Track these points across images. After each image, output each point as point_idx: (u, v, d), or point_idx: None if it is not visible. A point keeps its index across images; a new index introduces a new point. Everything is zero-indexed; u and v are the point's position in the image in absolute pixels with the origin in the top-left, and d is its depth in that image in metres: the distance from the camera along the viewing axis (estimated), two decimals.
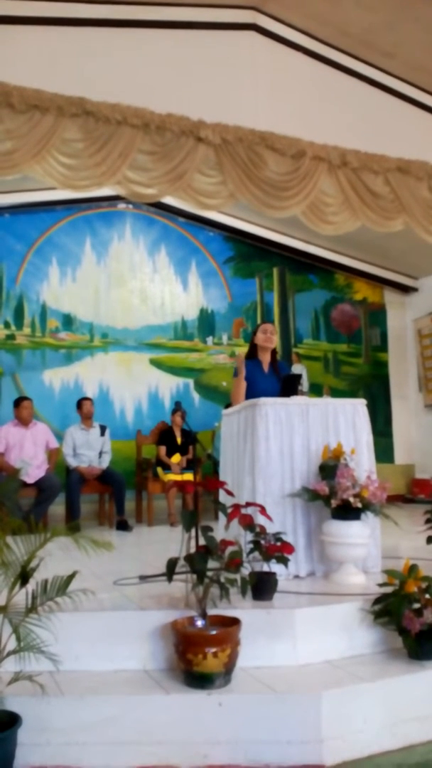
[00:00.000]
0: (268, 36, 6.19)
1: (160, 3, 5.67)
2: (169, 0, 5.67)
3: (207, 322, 8.44)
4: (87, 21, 5.42)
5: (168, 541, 5.08)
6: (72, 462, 6.48)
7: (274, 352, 4.62)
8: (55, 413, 7.39)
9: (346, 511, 3.44)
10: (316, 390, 8.61)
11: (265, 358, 4.54)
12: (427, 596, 2.92)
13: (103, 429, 6.74)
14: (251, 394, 4.29)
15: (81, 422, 6.69)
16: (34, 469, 6.11)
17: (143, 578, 3.56)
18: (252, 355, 4.58)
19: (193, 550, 2.88)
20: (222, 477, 4.22)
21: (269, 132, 5.70)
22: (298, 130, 5.83)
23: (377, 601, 3.02)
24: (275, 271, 8.81)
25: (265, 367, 4.51)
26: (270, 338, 4.49)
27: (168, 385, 8.12)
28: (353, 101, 6.44)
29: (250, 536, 3.23)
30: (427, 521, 4.08)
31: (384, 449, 8.62)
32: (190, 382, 8.24)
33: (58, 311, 7.74)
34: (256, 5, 6.05)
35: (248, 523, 3.17)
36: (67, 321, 7.77)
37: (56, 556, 2.73)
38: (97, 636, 2.89)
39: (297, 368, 8.55)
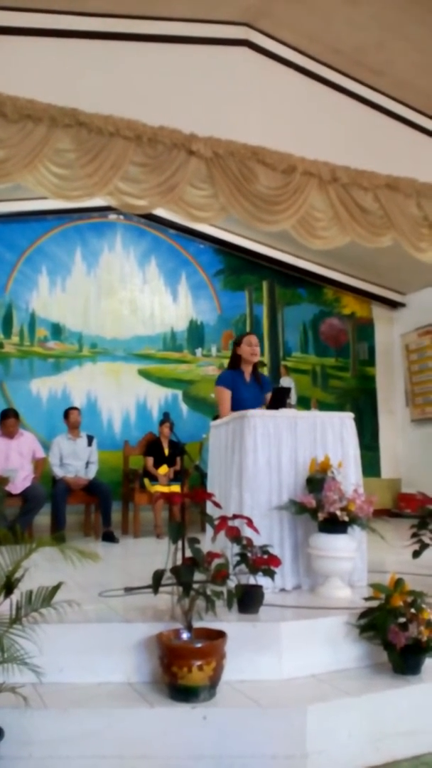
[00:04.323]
0: (260, 52, 6.26)
1: (155, 17, 5.72)
2: (164, 15, 5.72)
3: (196, 334, 8.46)
4: (82, 33, 5.46)
5: (154, 553, 5.05)
6: (58, 472, 6.45)
7: (255, 363, 4.60)
8: (42, 423, 7.36)
9: (333, 525, 3.45)
10: (303, 403, 8.63)
11: (247, 369, 4.54)
12: (413, 611, 2.92)
13: (90, 439, 6.71)
14: (234, 403, 4.31)
15: (68, 432, 6.66)
16: (20, 479, 6.07)
17: (129, 590, 3.54)
18: (234, 365, 4.57)
19: (179, 562, 2.87)
20: (209, 489, 4.21)
21: (260, 147, 5.75)
22: (289, 146, 5.88)
23: (363, 615, 3.02)
24: (265, 285, 8.86)
25: (247, 376, 4.52)
26: (255, 351, 4.47)
27: (156, 396, 8.11)
28: (344, 118, 6.51)
29: (236, 549, 3.22)
30: (413, 535, 4.09)
31: (371, 463, 8.67)
32: (179, 393, 8.23)
33: (47, 320, 7.72)
34: (249, 22, 6.12)
35: (235, 536, 3.17)
36: (56, 330, 7.76)
37: (41, 566, 2.72)
38: (81, 648, 2.87)
39: (285, 381, 8.56)
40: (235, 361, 4.55)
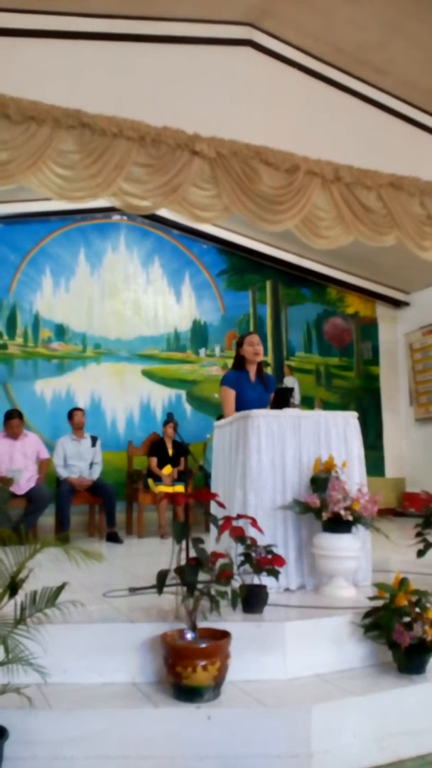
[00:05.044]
0: (263, 52, 6.25)
1: (158, 18, 5.72)
2: (167, 15, 5.72)
3: (200, 334, 8.46)
4: (85, 34, 5.46)
5: (158, 553, 5.07)
6: (62, 473, 6.46)
7: (260, 362, 4.60)
8: (46, 423, 7.37)
9: (337, 524, 3.44)
10: (307, 403, 8.63)
11: (252, 369, 4.54)
12: (418, 610, 2.91)
13: (94, 440, 6.72)
14: (239, 403, 4.31)
15: (72, 433, 6.67)
16: (24, 480, 6.08)
17: (133, 590, 3.55)
18: (239, 365, 4.57)
19: (183, 562, 2.87)
20: (213, 489, 4.21)
21: (264, 146, 5.75)
22: (292, 145, 5.87)
23: (367, 614, 3.02)
24: (268, 284, 8.85)
25: (252, 377, 4.52)
26: (258, 350, 4.46)
27: (160, 397, 8.11)
28: (347, 117, 6.50)
29: (241, 548, 3.22)
30: (418, 535, 4.09)
31: (374, 463, 8.64)
32: (183, 393, 8.24)
33: (51, 321, 7.74)
34: (252, 21, 6.12)
35: (239, 536, 3.17)
36: (60, 331, 7.77)
37: (46, 567, 2.72)
38: (85, 648, 2.87)
39: (289, 381, 8.56)
40: (239, 361, 4.55)
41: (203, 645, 2.66)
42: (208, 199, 5.72)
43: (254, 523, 3.29)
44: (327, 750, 2.55)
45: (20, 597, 2.45)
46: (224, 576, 2.84)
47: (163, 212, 6.85)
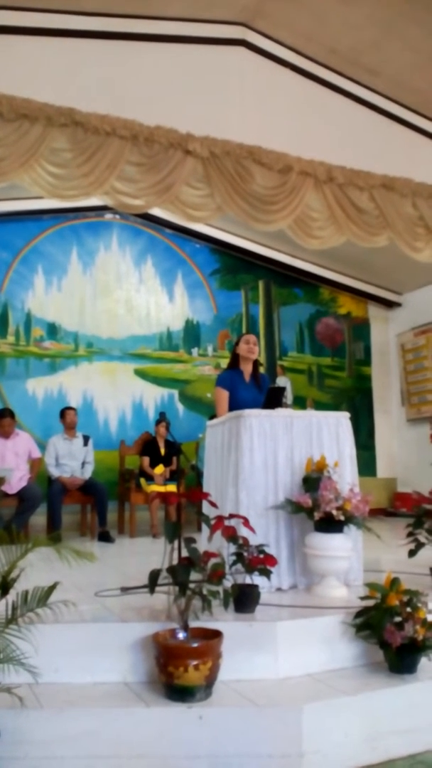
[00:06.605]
0: (256, 52, 6.26)
1: (152, 17, 5.71)
2: (160, 14, 5.71)
3: (192, 334, 8.46)
4: (78, 32, 5.45)
5: (150, 553, 5.06)
6: (54, 472, 6.44)
7: (255, 362, 4.64)
8: (38, 423, 7.35)
9: (329, 524, 3.46)
10: (299, 402, 8.64)
11: (247, 369, 4.56)
12: (409, 610, 2.93)
13: (86, 439, 6.70)
14: (233, 403, 4.32)
15: (64, 432, 6.65)
16: (16, 479, 6.05)
17: (125, 590, 3.54)
18: (234, 364, 4.60)
19: (175, 561, 2.87)
20: (205, 488, 4.21)
21: (257, 146, 5.75)
22: (285, 145, 5.88)
23: (359, 614, 3.03)
24: (261, 284, 8.86)
25: (247, 377, 4.54)
26: (252, 349, 4.51)
27: (152, 396, 8.11)
28: (340, 118, 6.52)
29: (233, 548, 3.23)
30: (409, 535, 4.10)
31: (366, 462, 8.67)
32: (175, 392, 8.23)
33: (43, 320, 7.71)
34: (245, 21, 6.12)
35: (231, 535, 3.17)
36: (52, 330, 7.75)
37: (37, 566, 2.71)
38: (77, 648, 2.87)
39: (281, 381, 8.58)
40: (235, 360, 4.57)
41: (195, 645, 2.66)
42: (201, 199, 5.72)
43: (246, 522, 3.29)
44: (318, 749, 2.55)
45: (11, 596, 2.44)
46: (216, 575, 2.85)
47: (156, 211, 6.84)
